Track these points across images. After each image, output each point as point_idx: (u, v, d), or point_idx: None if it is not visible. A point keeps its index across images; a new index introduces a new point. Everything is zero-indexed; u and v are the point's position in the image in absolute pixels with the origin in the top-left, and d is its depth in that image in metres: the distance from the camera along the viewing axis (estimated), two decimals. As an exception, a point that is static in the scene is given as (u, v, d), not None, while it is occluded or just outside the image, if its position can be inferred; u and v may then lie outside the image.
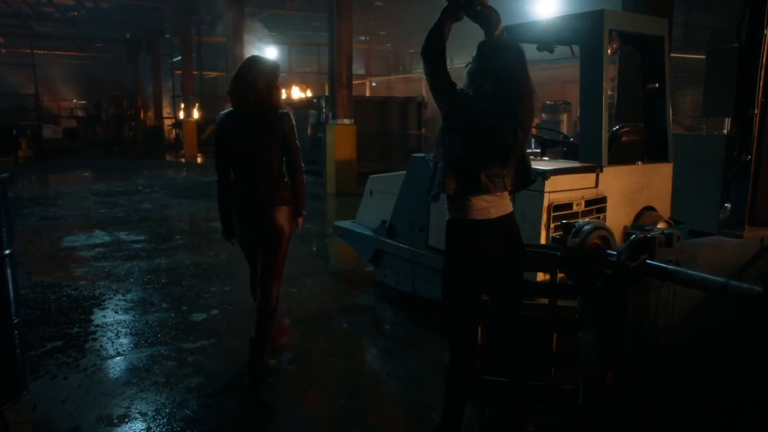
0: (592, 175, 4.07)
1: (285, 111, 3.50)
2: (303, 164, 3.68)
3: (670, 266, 2.28)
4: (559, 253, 2.65)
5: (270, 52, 20.43)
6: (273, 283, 3.56)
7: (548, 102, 16.94)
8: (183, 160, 20.66)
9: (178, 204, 10.51)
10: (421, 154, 4.89)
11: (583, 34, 4.10)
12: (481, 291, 2.77)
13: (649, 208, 4.49)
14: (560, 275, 3.21)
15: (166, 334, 4.34)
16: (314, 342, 4.23)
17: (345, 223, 5.96)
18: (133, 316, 4.73)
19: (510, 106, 2.54)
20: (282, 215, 3.52)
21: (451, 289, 2.74)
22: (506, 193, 2.71)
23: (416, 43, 28.79)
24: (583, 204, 4.00)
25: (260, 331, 3.56)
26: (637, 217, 4.43)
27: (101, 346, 4.13)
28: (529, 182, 2.76)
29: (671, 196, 4.63)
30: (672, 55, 4.76)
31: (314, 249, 7.32)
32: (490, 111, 2.54)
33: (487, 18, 2.68)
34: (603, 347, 2.55)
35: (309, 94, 21.38)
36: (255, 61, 3.51)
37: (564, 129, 16.71)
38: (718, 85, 3.09)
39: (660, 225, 4.38)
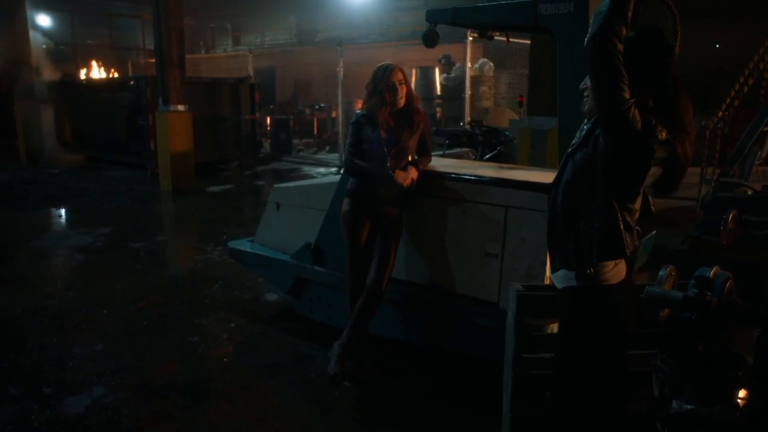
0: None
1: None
2: None
3: None
4: (693, 316, 2.07)
5: (43, 21, 17.25)
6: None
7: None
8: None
9: (-35, 216, 8.08)
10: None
11: (565, 21, 3.62)
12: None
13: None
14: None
15: (39, 443, 2.95)
16: (262, 427, 3.16)
17: (243, 244, 4.82)
18: (-29, 416, 3.19)
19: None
20: None
21: (582, 380, 2.11)
22: None
23: (220, 17, 26.70)
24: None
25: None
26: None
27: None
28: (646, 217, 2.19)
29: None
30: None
31: (186, 271, 5.93)
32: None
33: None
34: None
35: (103, 71, 18.52)
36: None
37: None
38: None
39: (632, 235, 4.09)
